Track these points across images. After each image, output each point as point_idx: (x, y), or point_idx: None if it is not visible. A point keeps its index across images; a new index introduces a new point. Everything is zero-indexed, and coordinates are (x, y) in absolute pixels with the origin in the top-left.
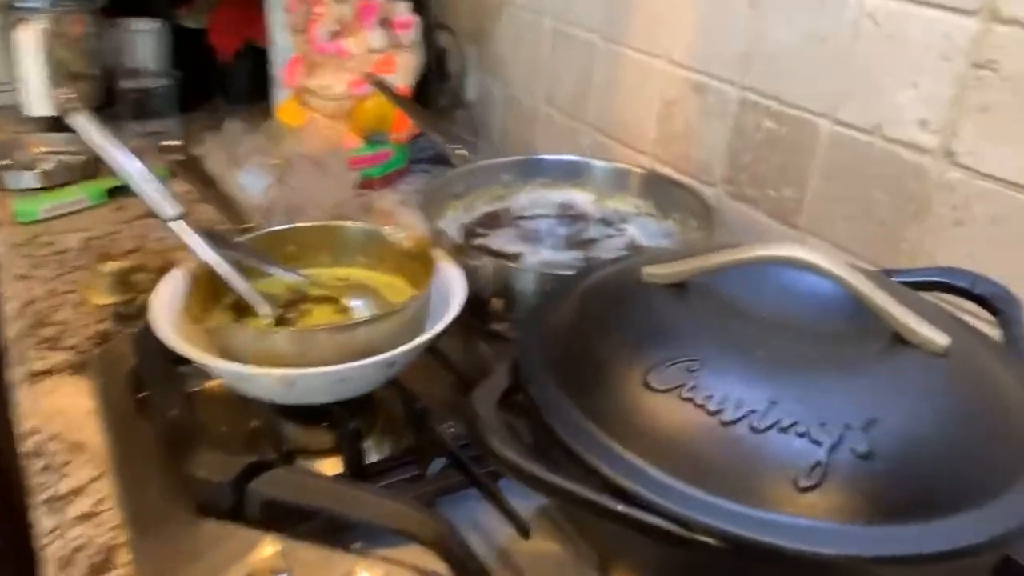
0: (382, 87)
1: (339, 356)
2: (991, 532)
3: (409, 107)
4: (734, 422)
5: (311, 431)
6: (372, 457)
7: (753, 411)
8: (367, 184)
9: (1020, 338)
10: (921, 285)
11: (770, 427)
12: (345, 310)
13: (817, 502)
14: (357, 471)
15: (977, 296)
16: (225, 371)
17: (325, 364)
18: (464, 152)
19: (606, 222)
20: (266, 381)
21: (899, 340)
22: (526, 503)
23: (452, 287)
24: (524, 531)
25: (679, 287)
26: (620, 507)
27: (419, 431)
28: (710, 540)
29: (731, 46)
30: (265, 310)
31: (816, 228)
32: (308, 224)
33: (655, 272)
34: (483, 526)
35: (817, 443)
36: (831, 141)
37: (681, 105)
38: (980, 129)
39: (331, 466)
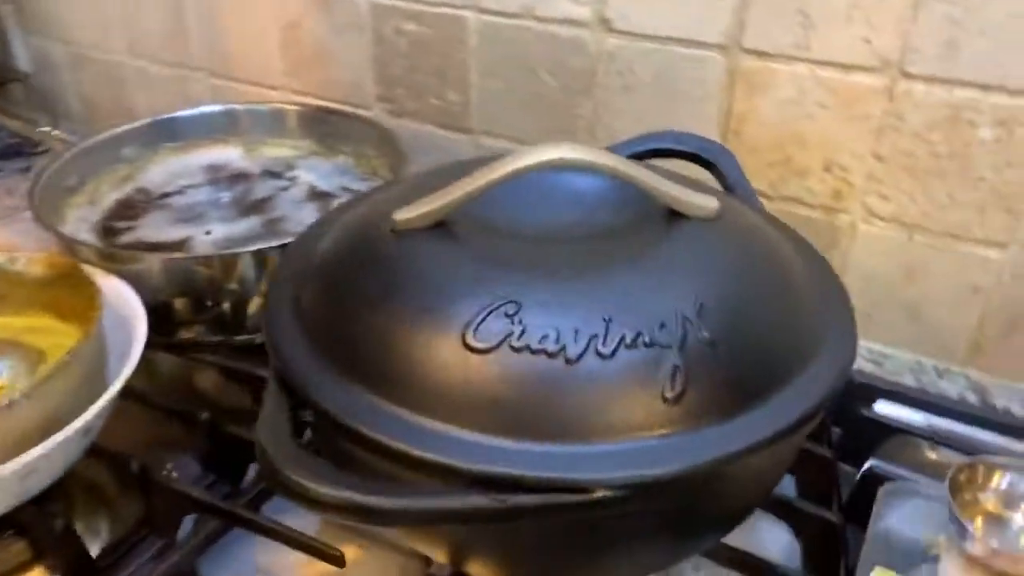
0: None
1: (4, 447)
2: (827, 387)
3: None
4: (581, 356)
5: None
6: (94, 549)
7: (594, 336)
8: None
9: (739, 185)
10: (634, 157)
11: (617, 347)
12: None
13: (688, 409)
14: (84, 572)
15: (688, 154)
16: None
17: None
18: (60, 133)
19: (271, 174)
20: None
21: (673, 215)
22: (303, 521)
23: (120, 305)
24: (338, 560)
25: (440, 227)
26: (505, 501)
27: (147, 493)
28: (611, 494)
29: None
30: None
31: (490, 126)
32: None
33: (407, 218)
34: (269, 565)
35: (667, 347)
36: (482, 33)
37: (306, 26)
38: None
39: None
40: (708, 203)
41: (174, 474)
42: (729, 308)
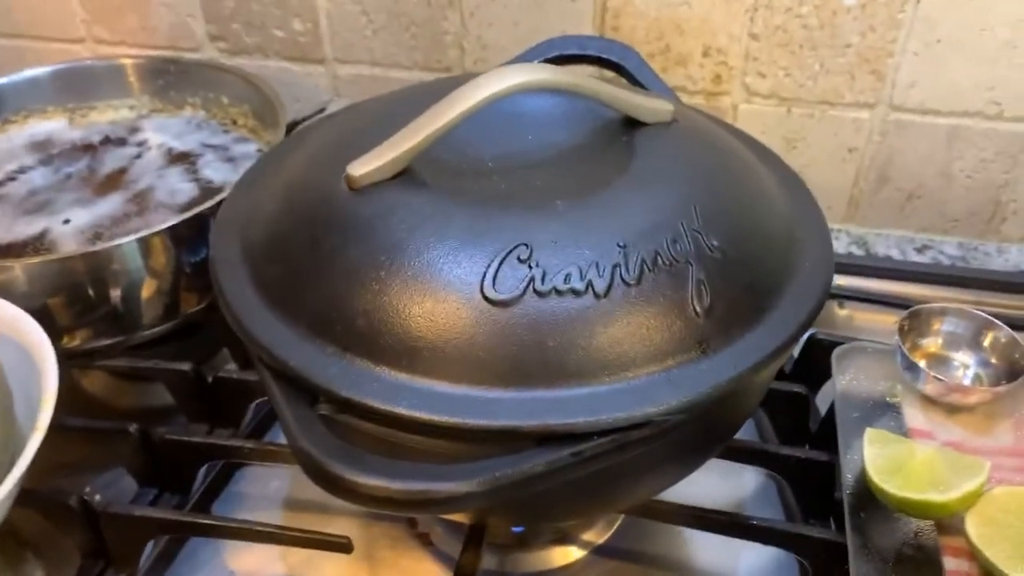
0: None
1: None
2: (826, 276)
3: None
4: (609, 288)
5: None
6: None
7: (616, 265)
8: None
9: (652, 83)
10: None
11: (641, 272)
12: None
13: (718, 321)
14: None
15: (593, 57)
16: None
17: None
18: None
19: (114, 142)
20: None
21: (629, 123)
22: (260, 513)
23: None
24: (345, 547)
25: (401, 175)
26: (582, 453)
27: (94, 527)
28: (676, 419)
29: None
30: None
31: (345, 53)
32: None
33: (367, 172)
34: (241, 566)
35: (686, 262)
36: None
37: None
38: None
39: None
40: (665, 107)
41: (96, 498)
42: (723, 212)
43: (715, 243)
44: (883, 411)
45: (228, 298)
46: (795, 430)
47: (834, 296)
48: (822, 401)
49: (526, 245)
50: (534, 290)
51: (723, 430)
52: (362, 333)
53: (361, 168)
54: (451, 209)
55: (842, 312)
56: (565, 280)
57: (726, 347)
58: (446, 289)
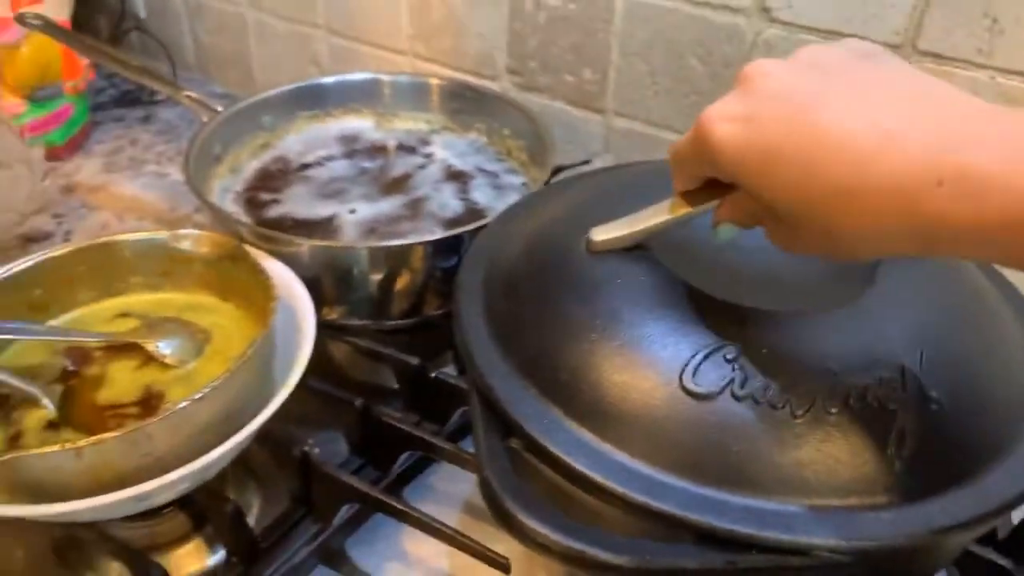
0: (43, 25)
1: (190, 441)
2: None
3: (85, 44)
4: (806, 412)
5: (151, 522)
6: (249, 521)
7: (820, 391)
8: (51, 155)
9: None
10: None
11: (844, 405)
12: (158, 359)
13: (912, 475)
14: (249, 551)
15: None
16: (48, 514)
17: (178, 457)
18: (200, 99)
19: (406, 149)
20: (111, 506)
21: None
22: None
23: (282, 290)
24: (504, 567)
25: (638, 248)
26: (736, 563)
27: (307, 478)
28: (838, 559)
29: None
30: (44, 400)
31: (626, 108)
32: (64, 250)
33: (606, 239)
34: (413, 550)
35: (894, 407)
36: (629, 12)
37: None
38: None
39: (193, 556)
40: None
41: (315, 454)
42: (953, 362)
43: (934, 394)
44: None
45: (462, 321)
46: None
47: None
48: None
49: (735, 346)
50: (732, 392)
51: None
52: (564, 385)
53: (602, 235)
54: (673, 291)
55: None
56: (765, 391)
57: (916, 502)
58: (648, 368)
